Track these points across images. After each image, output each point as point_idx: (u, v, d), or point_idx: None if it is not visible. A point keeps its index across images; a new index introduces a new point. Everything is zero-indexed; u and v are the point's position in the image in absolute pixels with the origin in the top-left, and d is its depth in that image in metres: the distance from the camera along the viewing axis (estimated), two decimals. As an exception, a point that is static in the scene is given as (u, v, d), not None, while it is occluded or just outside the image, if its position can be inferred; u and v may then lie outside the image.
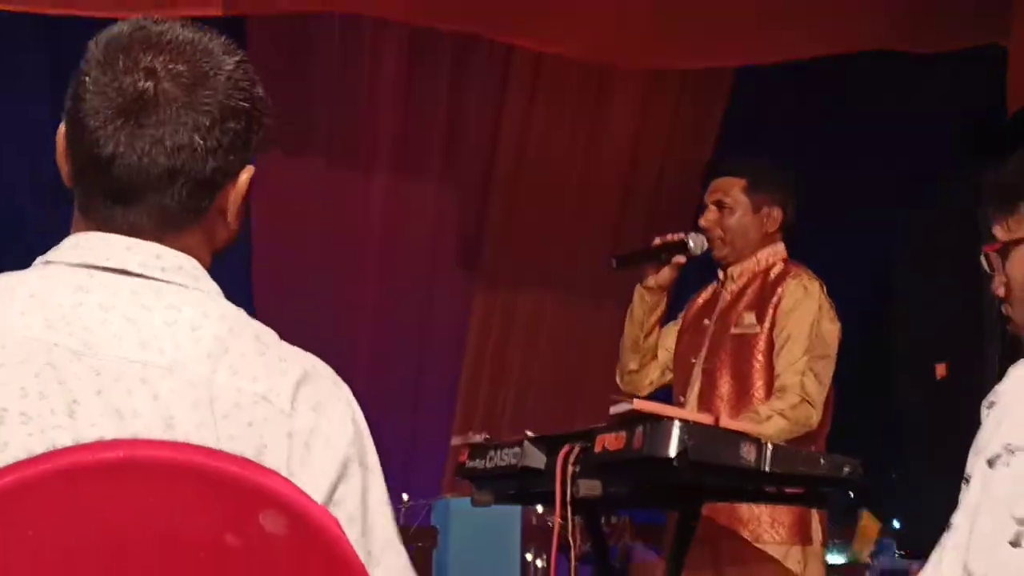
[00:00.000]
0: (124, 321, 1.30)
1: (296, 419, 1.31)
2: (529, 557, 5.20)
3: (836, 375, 3.40)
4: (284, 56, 5.42)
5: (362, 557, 1.28)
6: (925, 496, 4.56)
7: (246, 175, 1.42)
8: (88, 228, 1.38)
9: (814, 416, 3.27)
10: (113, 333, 1.29)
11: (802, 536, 3.36)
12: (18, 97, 5.25)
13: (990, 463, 1.60)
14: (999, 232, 1.80)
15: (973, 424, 4.57)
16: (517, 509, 5.08)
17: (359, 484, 1.36)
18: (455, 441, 3.14)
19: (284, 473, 1.28)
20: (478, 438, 3.12)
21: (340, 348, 5.25)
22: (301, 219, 5.67)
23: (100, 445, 1.20)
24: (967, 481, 1.63)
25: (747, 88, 5.74)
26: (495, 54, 5.68)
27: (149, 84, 1.34)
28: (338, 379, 1.40)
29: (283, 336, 1.40)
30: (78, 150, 1.37)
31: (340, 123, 5.56)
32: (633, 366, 3.62)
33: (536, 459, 2.82)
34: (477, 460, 3.06)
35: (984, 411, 1.66)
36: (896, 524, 5.19)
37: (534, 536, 5.14)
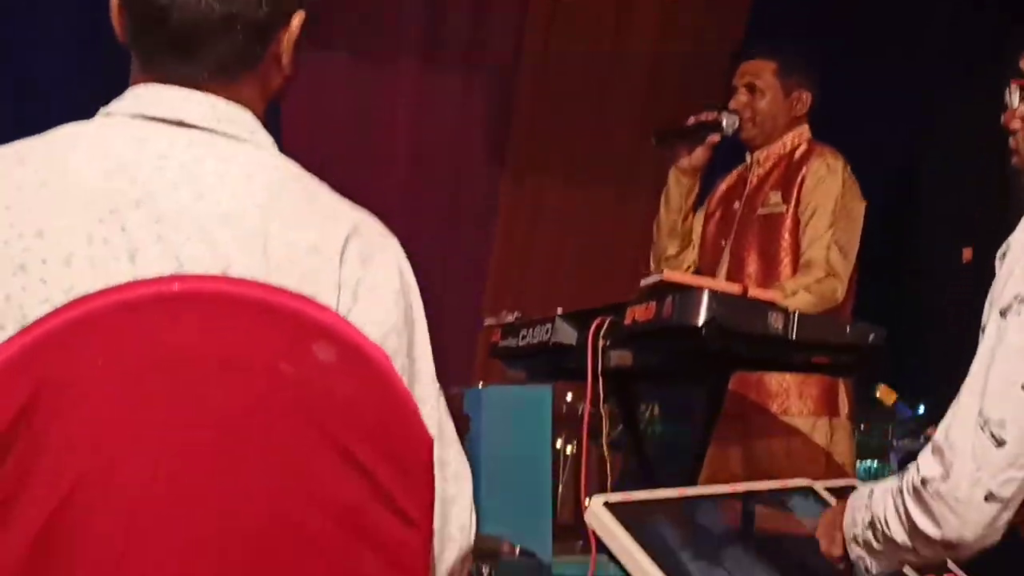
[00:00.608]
0: (181, 171, 1.36)
1: (345, 269, 1.37)
2: (559, 444, 5.26)
3: (860, 257, 3.44)
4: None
5: None
6: (947, 381, 4.61)
7: (298, 19, 1.46)
8: (147, 81, 1.43)
9: (839, 289, 3.31)
10: (171, 182, 1.35)
11: (829, 408, 3.42)
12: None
13: (1003, 313, 1.65)
14: None
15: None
16: (548, 397, 5.11)
17: (407, 337, 1.42)
18: (488, 321, 3.19)
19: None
20: (510, 317, 3.16)
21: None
22: (330, 110, 5.68)
23: (159, 279, 1.26)
24: (983, 332, 1.68)
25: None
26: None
27: None
28: (387, 232, 1.46)
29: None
30: (133, 3, 1.42)
31: (366, 13, 5.56)
32: (672, 251, 3.66)
33: (567, 335, 2.86)
34: (509, 339, 3.11)
35: (997, 262, 1.70)
36: (921, 409, 5.23)
37: (565, 424, 5.20)
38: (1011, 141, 1.88)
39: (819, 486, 2.40)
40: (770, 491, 2.36)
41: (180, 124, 1.39)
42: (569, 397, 4.96)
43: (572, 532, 4.47)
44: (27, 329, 1.20)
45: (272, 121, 1.51)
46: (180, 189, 1.34)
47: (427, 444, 1.34)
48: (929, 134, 5.14)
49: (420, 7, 5.70)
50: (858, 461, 4.35)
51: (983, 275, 4.73)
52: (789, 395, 3.42)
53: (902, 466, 4.69)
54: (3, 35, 4.87)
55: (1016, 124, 1.86)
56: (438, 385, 1.48)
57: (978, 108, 4.78)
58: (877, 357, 2.73)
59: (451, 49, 5.77)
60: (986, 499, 1.60)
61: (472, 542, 1.50)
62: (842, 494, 2.18)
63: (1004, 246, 1.70)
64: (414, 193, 5.76)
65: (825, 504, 2.28)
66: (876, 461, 5.04)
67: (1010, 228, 4.63)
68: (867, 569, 1.79)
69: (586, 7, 5.80)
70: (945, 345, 4.64)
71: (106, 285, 1.26)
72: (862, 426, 4.03)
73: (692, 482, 2.85)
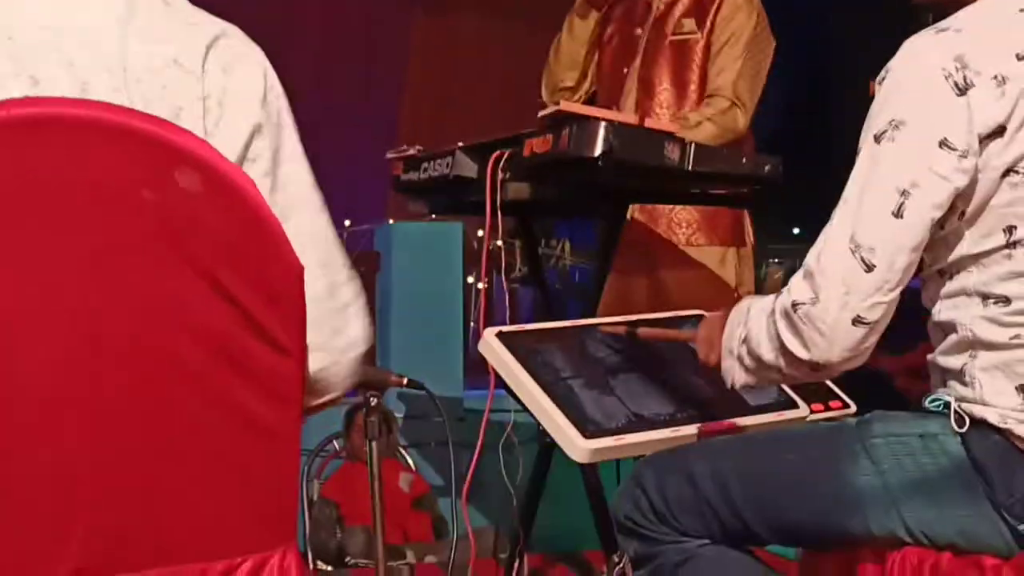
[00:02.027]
0: None
1: (207, 81, 1.36)
2: (471, 280, 5.30)
3: (775, 92, 3.47)
4: None
5: (275, 212, 1.35)
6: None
7: None
8: None
9: (741, 119, 3.37)
10: (30, 4, 1.33)
11: (737, 238, 3.50)
12: None
13: (876, 138, 1.66)
14: None
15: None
16: (459, 233, 5.16)
17: (272, 140, 1.41)
18: (390, 154, 3.18)
19: (200, 134, 1.34)
20: (412, 150, 3.16)
21: (284, 68, 5.20)
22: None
23: (15, 101, 1.25)
24: (858, 154, 1.70)
25: None
26: None
27: None
28: (248, 40, 1.44)
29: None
30: None
31: None
32: (569, 82, 3.66)
33: (468, 167, 2.87)
34: (411, 172, 3.10)
35: (876, 86, 1.72)
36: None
37: (475, 260, 5.24)
38: None
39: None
40: (662, 319, 2.41)
41: None
42: (480, 233, 5.00)
43: (485, 366, 4.52)
44: None
45: None
46: (40, 8, 1.32)
47: (296, 271, 1.35)
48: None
49: None
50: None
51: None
52: (697, 226, 3.47)
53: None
54: None
55: None
56: (316, 191, 1.47)
57: None
58: (774, 187, 2.77)
59: None
60: (854, 322, 1.65)
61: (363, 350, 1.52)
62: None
63: (883, 71, 1.71)
64: (329, 31, 5.67)
65: None
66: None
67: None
68: (733, 382, 1.84)
69: None
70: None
71: None
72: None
73: (594, 313, 2.91)
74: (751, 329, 1.77)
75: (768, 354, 1.74)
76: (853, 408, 2.38)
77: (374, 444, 2.51)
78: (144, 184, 1.26)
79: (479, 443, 2.59)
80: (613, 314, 2.87)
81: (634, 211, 3.40)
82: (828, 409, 2.38)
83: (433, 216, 3.93)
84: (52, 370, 1.27)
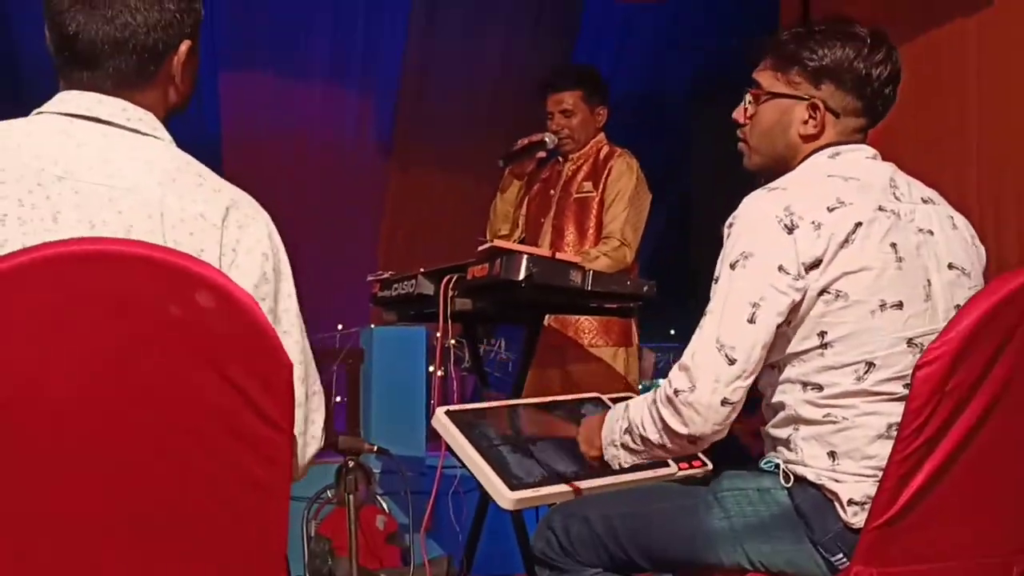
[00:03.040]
0: (96, 155, 1.33)
1: (225, 233, 1.36)
2: (431, 369, 5.28)
3: (646, 240, 3.54)
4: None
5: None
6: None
7: (184, 47, 1.43)
8: (68, 89, 1.40)
9: (628, 256, 3.41)
10: (88, 165, 1.32)
11: (626, 340, 3.50)
12: None
13: (732, 266, 1.68)
14: (764, 80, 1.80)
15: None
16: (423, 334, 5.14)
17: (273, 286, 1.41)
18: (370, 277, 3.18)
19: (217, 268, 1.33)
20: (386, 274, 3.16)
21: (291, 217, 5.25)
22: (258, 120, 5.58)
23: (72, 240, 1.23)
24: (716, 281, 1.70)
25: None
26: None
27: None
28: (258, 207, 1.43)
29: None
30: (52, 30, 1.38)
31: (284, 46, 5.46)
32: (505, 231, 3.68)
33: (427, 287, 2.87)
34: (385, 291, 3.11)
35: (726, 230, 1.73)
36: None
37: (435, 355, 5.21)
38: (739, 136, 1.88)
39: (605, 397, 2.44)
40: (568, 401, 2.39)
41: (95, 120, 1.36)
42: (438, 335, 4.99)
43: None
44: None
45: (192, 94, 1.49)
46: (96, 169, 1.32)
47: (288, 367, 1.33)
48: (700, 147, 5.18)
49: (325, 38, 5.61)
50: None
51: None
52: (597, 332, 3.48)
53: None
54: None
55: (739, 116, 1.87)
56: (302, 324, 1.46)
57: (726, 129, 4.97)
58: (649, 302, 2.79)
59: (349, 75, 5.70)
60: (722, 403, 1.64)
61: (321, 443, 1.50)
62: (622, 401, 2.22)
63: (731, 218, 1.73)
64: (329, 183, 5.70)
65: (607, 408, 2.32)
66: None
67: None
68: (620, 465, 1.82)
69: (447, 58, 5.76)
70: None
71: (34, 240, 1.24)
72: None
73: (519, 396, 2.89)
74: (633, 419, 1.76)
75: (653, 435, 1.72)
76: (710, 466, 2.36)
77: (350, 497, 2.45)
78: (171, 302, 1.24)
79: (433, 492, 2.54)
80: (533, 396, 2.86)
81: (550, 320, 3.41)
82: (691, 467, 2.36)
83: (408, 322, 3.91)
84: (95, 444, 1.23)
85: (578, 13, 5.74)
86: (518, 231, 3.68)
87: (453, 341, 2.77)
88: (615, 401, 2.29)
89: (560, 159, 3.64)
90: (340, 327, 5.21)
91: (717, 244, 1.76)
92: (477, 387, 3.65)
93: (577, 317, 3.47)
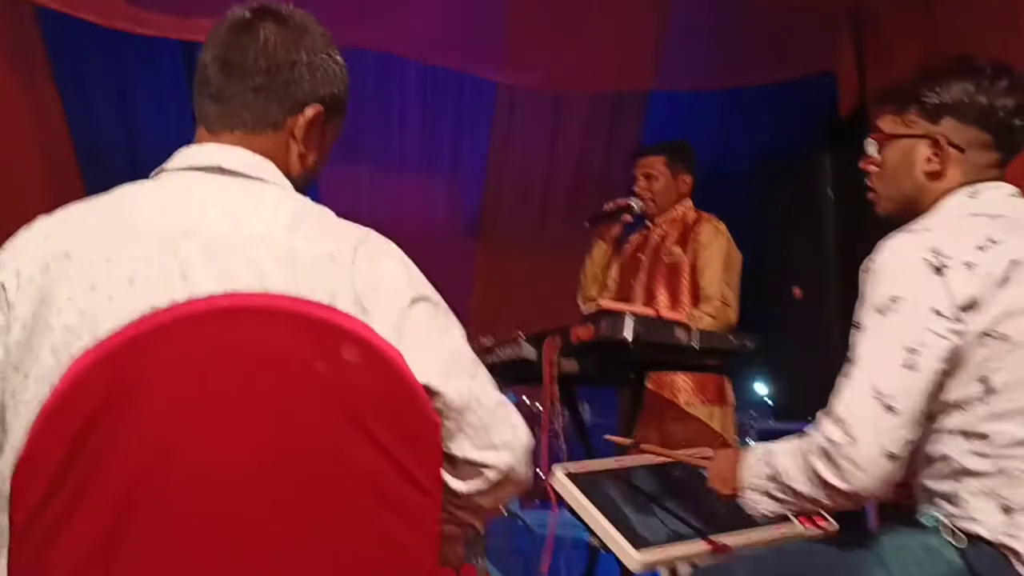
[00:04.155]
0: (221, 206, 1.16)
1: (357, 270, 1.16)
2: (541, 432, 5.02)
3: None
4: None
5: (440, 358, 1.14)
6: (788, 376, 4.55)
7: (312, 110, 1.27)
8: (199, 136, 1.24)
9: (732, 315, 3.20)
10: (213, 216, 1.15)
11: (720, 399, 3.25)
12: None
13: (879, 311, 1.45)
14: (885, 125, 1.62)
15: (816, 328, 4.36)
16: (512, 399, 4.91)
17: (424, 308, 1.19)
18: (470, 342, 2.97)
19: (354, 312, 1.13)
20: (487, 342, 2.96)
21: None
22: (356, 210, 5.48)
23: (215, 297, 1.05)
24: (858, 327, 1.47)
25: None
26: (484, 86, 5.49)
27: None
28: (388, 241, 1.24)
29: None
30: (196, 72, 1.23)
31: (377, 136, 5.37)
32: (594, 293, 3.50)
33: (529, 352, 2.68)
34: (487, 356, 2.91)
35: (862, 275, 1.50)
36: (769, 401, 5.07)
37: (524, 418, 4.97)
38: (869, 184, 1.67)
39: (684, 453, 2.19)
40: (691, 455, 2.14)
41: (219, 171, 1.19)
42: (527, 399, 4.78)
43: (529, 493, 4.27)
44: (103, 341, 0.98)
45: (316, 175, 1.34)
46: (221, 220, 1.14)
47: (435, 426, 1.12)
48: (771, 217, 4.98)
49: (416, 132, 5.52)
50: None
51: (805, 305, 4.55)
52: (692, 391, 3.24)
53: (760, 439, 4.51)
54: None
55: (865, 164, 1.66)
56: (472, 356, 1.24)
57: (798, 198, 4.77)
58: (752, 358, 2.54)
59: (439, 166, 5.59)
60: (887, 457, 1.40)
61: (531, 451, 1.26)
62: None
63: (868, 263, 1.50)
64: (421, 264, 5.55)
65: None
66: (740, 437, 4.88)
67: (826, 278, 4.44)
68: (759, 511, 1.56)
69: (528, 150, 5.64)
70: (786, 356, 4.48)
71: (163, 298, 1.06)
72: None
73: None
74: (779, 467, 1.50)
75: (803, 487, 1.46)
76: (835, 525, 2.07)
77: (481, 562, 2.20)
78: (317, 357, 1.04)
79: (548, 553, 2.28)
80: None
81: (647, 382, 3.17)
82: (815, 525, 2.08)
83: (509, 387, 3.70)
84: (238, 504, 1.03)
85: (645, 103, 5.59)
86: (608, 293, 3.47)
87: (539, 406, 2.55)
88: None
89: (649, 225, 3.43)
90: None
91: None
92: (574, 451, 3.39)
93: (672, 378, 3.22)
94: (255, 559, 1.05)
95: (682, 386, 3.21)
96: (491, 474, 1.20)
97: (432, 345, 1.16)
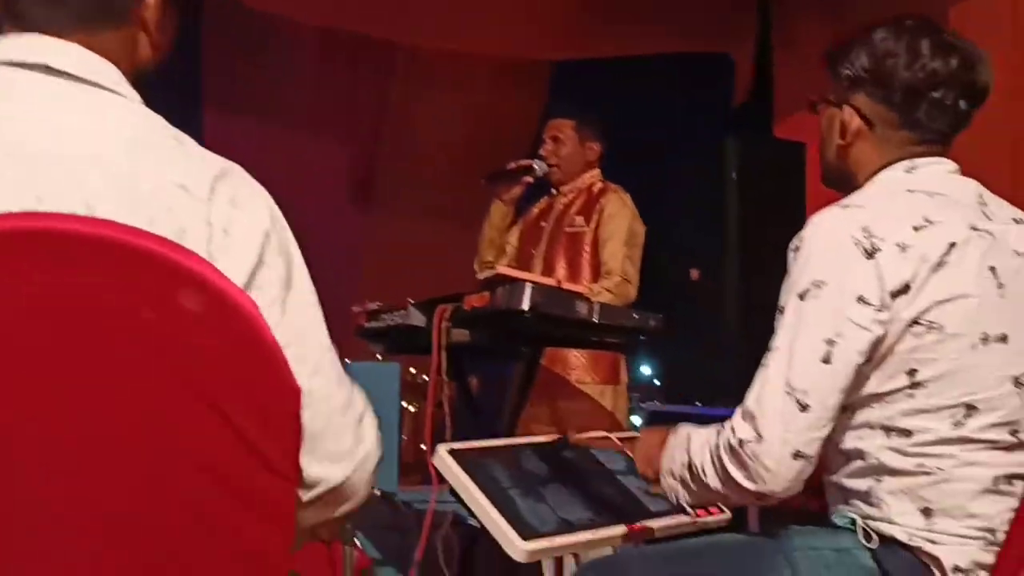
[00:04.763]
0: (48, 114, 0.92)
1: (214, 208, 0.94)
2: (405, 404, 4.86)
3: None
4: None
5: (288, 335, 0.93)
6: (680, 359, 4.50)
7: None
8: (15, 31, 0.98)
9: (632, 291, 3.06)
10: (37, 125, 0.91)
11: (614, 378, 3.12)
12: None
13: (801, 296, 1.31)
14: (817, 93, 1.49)
15: (717, 311, 4.31)
16: (397, 370, 4.72)
17: (280, 270, 0.98)
18: (355, 309, 2.75)
19: (204, 254, 0.91)
20: (374, 305, 2.75)
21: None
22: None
23: (19, 215, 0.81)
24: (781, 312, 1.33)
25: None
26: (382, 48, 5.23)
27: None
28: (255, 181, 1.02)
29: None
30: None
31: (265, 97, 5.07)
32: (490, 257, 3.31)
33: (418, 318, 2.48)
34: (372, 322, 2.70)
35: (791, 255, 1.36)
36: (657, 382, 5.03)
37: (409, 390, 4.82)
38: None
39: (613, 436, 2.04)
40: (599, 438, 1.98)
41: (47, 69, 0.94)
42: (413, 370, 4.59)
43: (412, 469, 4.15)
44: None
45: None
46: (44, 133, 0.90)
47: (295, 395, 0.92)
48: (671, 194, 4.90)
49: (306, 85, 5.22)
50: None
51: (702, 288, 4.49)
52: (585, 368, 3.10)
53: (650, 422, 4.44)
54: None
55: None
56: (321, 318, 1.04)
57: (697, 176, 4.70)
58: (655, 337, 2.41)
59: (328, 122, 5.31)
60: (794, 457, 1.26)
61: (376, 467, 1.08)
62: (631, 440, 1.83)
63: (796, 241, 1.36)
64: (306, 222, 5.27)
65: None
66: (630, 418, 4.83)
67: (724, 258, 4.38)
68: (678, 499, 1.42)
69: (431, 98, 5.41)
70: (680, 338, 4.41)
71: None
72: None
73: (511, 435, 2.49)
74: (694, 459, 1.36)
75: (714, 482, 1.33)
76: (728, 515, 1.96)
77: (348, 549, 2.00)
78: (144, 303, 0.82)
79: (425, 530, 2.10)
80: (521, 434, 2.47)
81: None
82: (710, 515, 1.96)
83: (378, 357, 3.49)
84: (46, 482, 0.81)
85: (551, 70, 5.45)
86: (505, 259, 3.29)
87: (446, 377, 2.36)
88: (623, 441, 1.90)
89: (555, 192, 3.27)
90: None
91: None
92: (461, 426, 3.21)
93: (564, 354, 3.08)
94: (65, 542, 0.83)
95: (575, 363, 3.08)
96: (318, 488, 1.00)
97: (272, 317, 0.95)
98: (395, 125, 5.48)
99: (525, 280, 2.19)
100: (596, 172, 3.25)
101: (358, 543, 4.23)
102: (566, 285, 2.29)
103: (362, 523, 4.58)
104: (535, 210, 3.35)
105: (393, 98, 5.48)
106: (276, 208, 1.02)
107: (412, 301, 2.51)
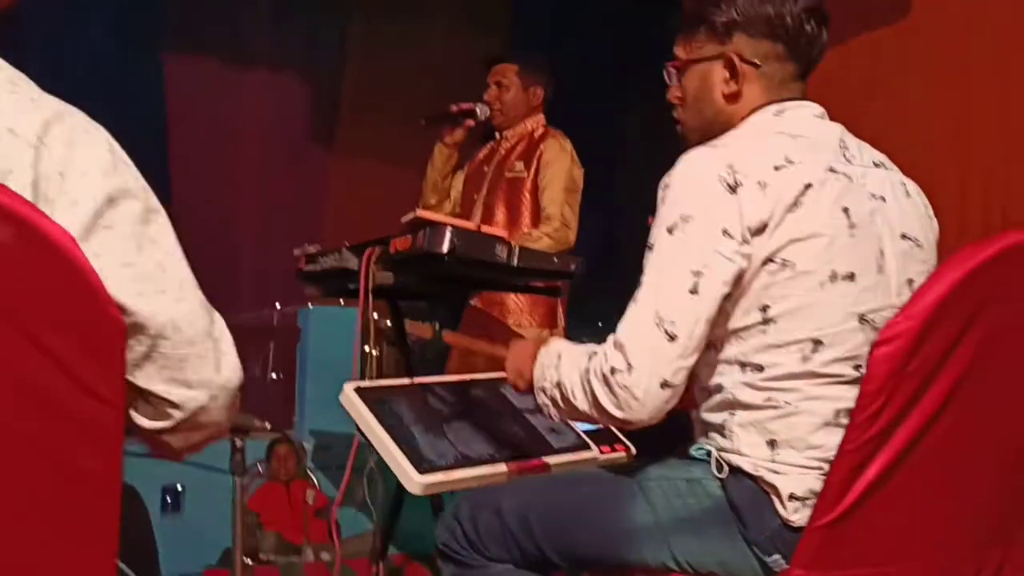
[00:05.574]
0: None
1: (46, 152, 0.96)
2: (366, 348, 4.90)
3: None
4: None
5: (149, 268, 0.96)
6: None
7: None
8: None
9: (571, 236, 3.09)
10: None
11: (551, 322, 3.17)
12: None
13: (669, 231, 1.34)
14: (680, 52, 1.52)
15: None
16: (353, 313, 4.76)
17: (130, 206, 1.00)
18: (296, 251, 2.78)
19: (30, 198, 0.94)
20: (312, 248, 2.78)
21: (234, 196, 4.90)
22: (202, 109, 5.13)
23: None
24: (651, 248, 1.37)
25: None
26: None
27: None
28: (94, 122, 1.03)
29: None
30: None
31: (225, 37, 5.02)
32: (433, 201, 3.34)
33: (351, 261, 2.51)
34: (311, 265, 2.73)
35: (660, 192, 1.40)
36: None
37: (373, 334, 4.83)
38: (676, 113, 1.56)
39: (486, 344, 2.10)
40: (487, 380, 2.04)
41: None
42: (375, 315, 4.63)
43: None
44: None
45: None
46: None
47: (118, 327, 0.95)
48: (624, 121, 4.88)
49: (266, 24, 5.17)
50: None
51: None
52: (522, 312, 3.14)
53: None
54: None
55: (671, 97, 1.55)
56: (181, 252, 1.06)
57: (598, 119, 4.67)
58: (579, 280, 2.45)
59: (292, 61, 5.27)
60: (661, 386, 1.31)
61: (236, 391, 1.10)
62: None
63: (666, 178, 1.39)
64: (267, 164, 5.27)
65: None
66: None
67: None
68: (549, 414, 1.47)
69: (391, 40, 5.35)
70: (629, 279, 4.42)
71: None
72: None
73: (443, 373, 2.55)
74: (564, 379, 1.40)
75: (583, 405, 1.37)
76: (634, 451, 2.02)
77: (235, 479, 2.05)
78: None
79: (348, 466, 2.16)
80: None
81: (476, 300, 3.05)
82: (614, 451, 2.02)
83: (342, 302, 3.52)
84: None
85: (509, 12, 5.39)
86: (449, 204, 3.32)
87: (377, 317, 2.39)
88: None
89: (497, 136, 3.28)
90: (278, 305, 4.77)
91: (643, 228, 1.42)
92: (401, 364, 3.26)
93: (503, 298, 3.12)
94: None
95: (512, 306, 3.12)
96: (177, 414, 1.03)
97: (127, 253, 0.97)
98: (356, 69, 5.45)
99: (446, 223, 2.22)
100: (540, 117, 3.26)
101: (315, 481, 4.30)
102: (485, 229, 2.32)
103: (322, 463, 4.65)
104: (479, 155, 3.37)
105: (354, 35, 5.44)
106: (118, 147, 1.02)
107: (347, 244, 2.54)
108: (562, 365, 1.43)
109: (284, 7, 5.17)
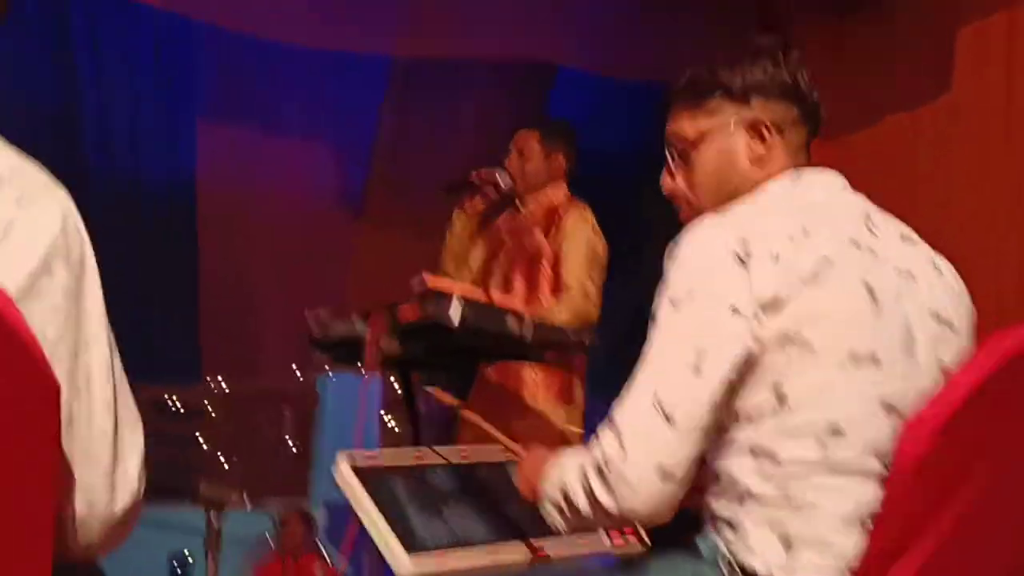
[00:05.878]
0: None
1: None
2: (388, 418, 4.83)
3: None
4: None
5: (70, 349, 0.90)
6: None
7: None
8: None
9: (591, 308, 2.97)
10: None
11: (566, 397, 3.04)
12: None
13: (674, 304, 1.25)
14: (686, 126, 1.40)
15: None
16: (379, 382, 4.69)
17: (67, 279, 0.93)
18: (308, 315, 2.71)
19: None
20: (323, 313, 2.71)
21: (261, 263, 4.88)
22: (233, 168, 5.16)
23: None
24: (655, 320, 1.27)
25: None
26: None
27: None
28: (53, 183, 0.96)
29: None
30: None
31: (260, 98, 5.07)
32: (451, 270, 3.26)
33: (363, 329, 2.43)
34: (322, 333, 2.66)
35: (667, 261, 1.30)
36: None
37: (390, 402, 4.79)
38: (677, 205, 1.45)
39: (507, 440, 1.98)
40: (493, 462, 1.92)
41: None
42: (397, 385, 4.56)
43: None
44: None
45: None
46: None
47: (54, 389, 0.87)
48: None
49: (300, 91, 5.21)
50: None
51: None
52: (537, 386, 3.02)
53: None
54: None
55: (667, 182, 1.44)
56: (110, 334, 0.97)
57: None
58: (601, 354, 2.35)
59: (324, 134, 5.30)
60: (660, 477, 1.20)
61: (139, 489, 1.00)
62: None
63: (670, 247, 1.29)
64: (293, 228, 5.26)
65: None
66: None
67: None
68: (555, 528, 1.36)
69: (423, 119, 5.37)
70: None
71: None
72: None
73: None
74: (567, 478, 1.29)
75: (582, 504, 1.26)
76: (646, 543, 1.88)
77: (208, 554, 1.94)
78: None
79: (349, 545, 2.04)
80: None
81: (491, 371, 2.96)
82: (624, 538, 1.88)
83: (344, 366, 3.43)
84: None
85: (550, 82, 5.35)
86: (469, 272, 3.24)
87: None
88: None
89: (519, 204, 3.21)
90: (298, 372, 4.71)
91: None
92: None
93: (518, 370, 3.01)
94: None
95: (528, 380, 3.01)
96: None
97: (56, 327, 0.91)
98: (389, 137, 5.47)
99: (455, 293, 2.15)
100: (562, 185, 3.19)
101: (325, 555, 4.19)
102: (498, 300, 2.24)
103: (337, 536, 4.53)
104: (499, 223, 3.30)
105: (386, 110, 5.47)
106: (73, 212, 0.95)
107: (357, 313, 2.47)
108: (564, 470, 1.32)
109: (316, 73, 5.22)
